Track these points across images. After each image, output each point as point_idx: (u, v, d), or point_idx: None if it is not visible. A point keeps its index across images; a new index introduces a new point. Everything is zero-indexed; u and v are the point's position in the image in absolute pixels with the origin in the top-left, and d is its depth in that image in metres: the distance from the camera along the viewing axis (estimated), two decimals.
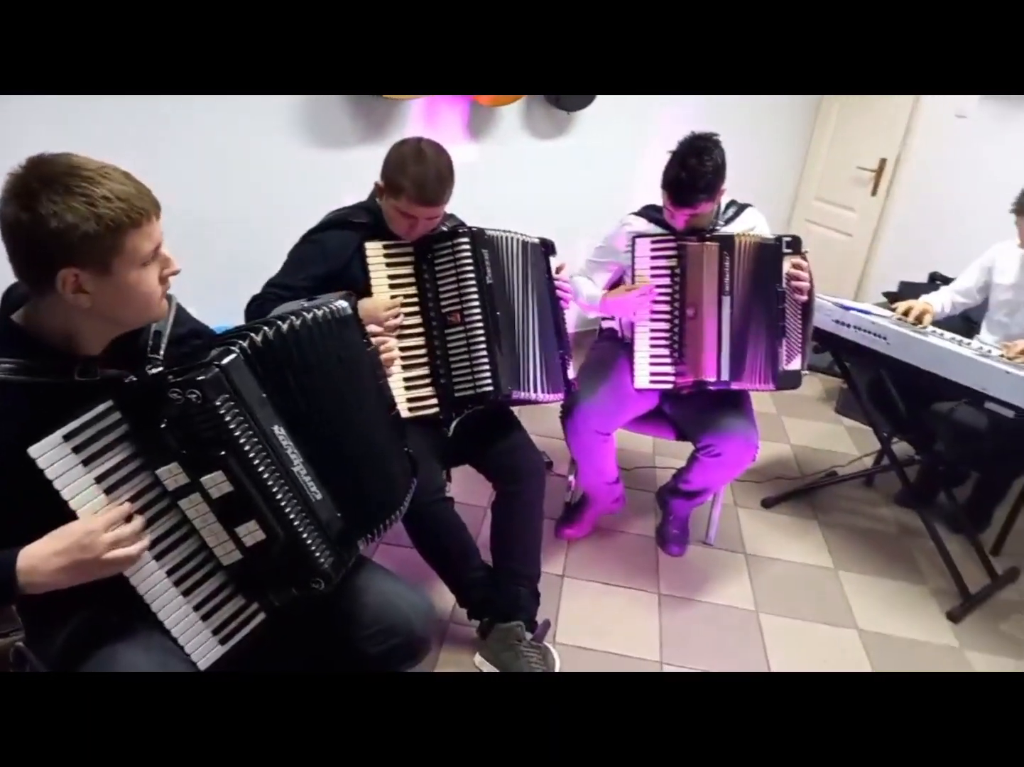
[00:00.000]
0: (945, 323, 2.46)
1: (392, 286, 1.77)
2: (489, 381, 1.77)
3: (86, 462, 0.98)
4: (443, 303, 1.78)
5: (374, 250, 1.75)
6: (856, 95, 3.70)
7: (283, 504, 1.08)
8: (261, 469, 1.06)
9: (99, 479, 0.99)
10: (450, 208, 1.81)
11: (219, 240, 2.55)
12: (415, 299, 1.79)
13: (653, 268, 2.07)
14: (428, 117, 2.90)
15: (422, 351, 1.80)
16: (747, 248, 2.03)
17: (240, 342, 1.07)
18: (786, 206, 4.24)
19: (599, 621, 2.11)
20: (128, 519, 1.01)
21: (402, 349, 1.75)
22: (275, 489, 1.07)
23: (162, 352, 1.14)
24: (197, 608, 1.09)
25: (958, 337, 2.23)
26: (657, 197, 2.07)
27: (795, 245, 2.01)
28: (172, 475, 1.03)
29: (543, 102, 3.18)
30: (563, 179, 3.37)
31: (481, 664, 1.87)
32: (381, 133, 2.79)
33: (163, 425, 1.00)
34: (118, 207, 0.96)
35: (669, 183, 1.99)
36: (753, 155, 3.51)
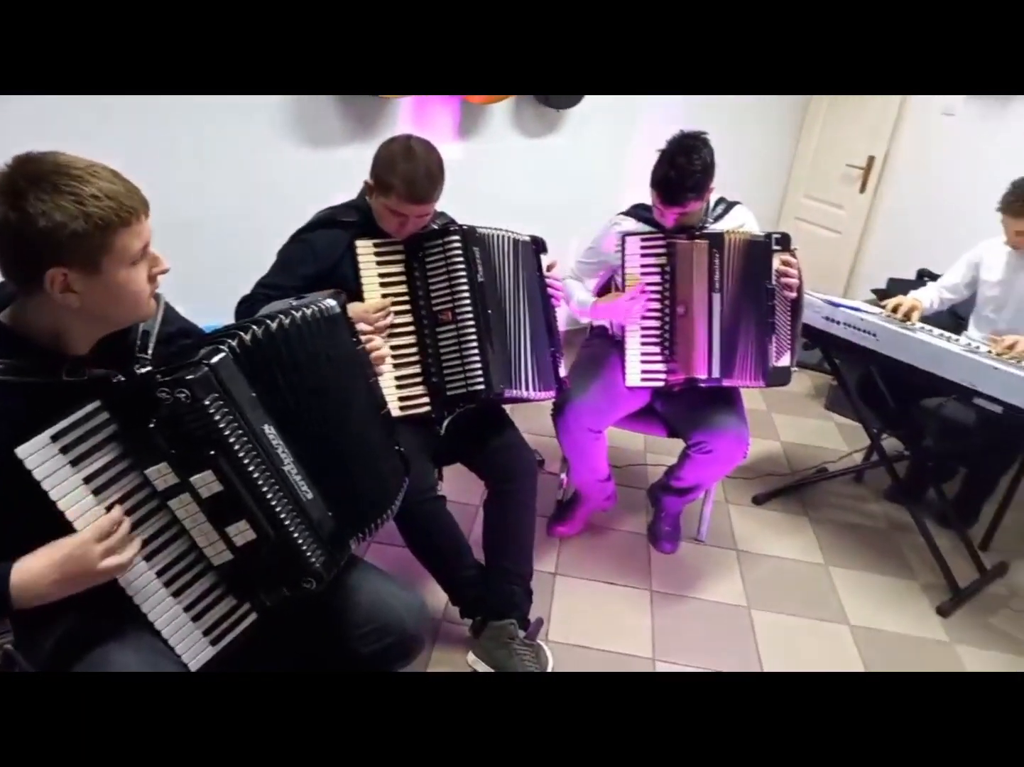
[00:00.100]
0: (933, 319, 2.48)
1: (383, 284, 1.77)
2: (481, 379, 1.76)
3: (74, 462, 0.97)
4: (434, 301, 1.78)
5: (364, 248, 1.75)
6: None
7: (274, 503, 1.07)
8: (251, 468, 1.05)
9: (87, 479, 0.98)
10: (440, 206, 1.81)
11: (208, 240, 2.54)
12: (406, 297, 1.78)
13: (643, 267, 2.07)
14: (417, 115, 2.89)
15: (413, 350, 1.79)
16: (737, 245, 2.04)
17: (229, 341, 1.07)
18: (775, 204, 4.26)
19: (592, 618, 2.12)
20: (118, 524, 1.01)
21: (393, 348, 1.75)
22: (265, 488, 1.06)
23: (150, 351, 1.13)
24: (188, 609, 1.08)
25: (946, 333, 2.25)
26: (646, 193, 2.08)
27: (784, 242, 2.02)
28: (161, 475, 1.02)
29: (532, 100, 3.18)
30: (553, 177, 3.37)
31: (474, 663, 1.87)
32: (370, 131, 2.79)
33: (152, 425, 0.99)
34: (107, 206, 0.95)
35: (658, 182, 2.00)
36: (742, 153, 3.52)
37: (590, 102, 3.27)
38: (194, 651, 1.09)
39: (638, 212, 2.20)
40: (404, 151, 1.69)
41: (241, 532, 1.06)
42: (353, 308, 1.59)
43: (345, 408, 1.25)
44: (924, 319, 2.41)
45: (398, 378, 1.78)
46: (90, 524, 0.99)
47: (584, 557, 2.36)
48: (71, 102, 2.13)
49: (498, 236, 1.84)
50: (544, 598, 2.14)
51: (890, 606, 2.29)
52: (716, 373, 2.10)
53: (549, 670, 1.89)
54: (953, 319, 2.69)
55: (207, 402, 1.00)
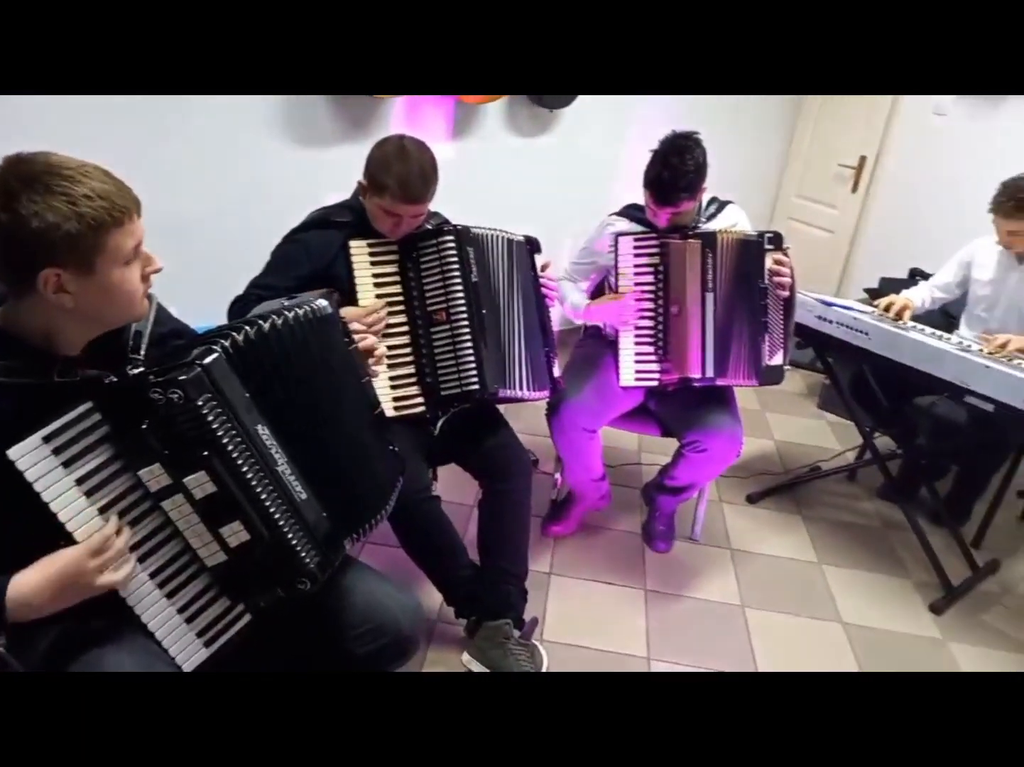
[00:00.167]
0: (925, 318, 2.49)
1: (377, 285, 1.76)
2: (475, 379, 1.76)
3: (67, 464, 0.97)
4: (428, 301, 1.78)
5: (358, 249, 1.74)
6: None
7: (267, 504, 1.07)
8: (245, 469, 1.05)
9: (80, 481, 0.98)
10: (433, 206, 1.81)
11: (200, 240, 2.53)
12: (400, 297, 1.78)
13: (636, 266, 2.08)
14: (411, 115, 2.89)
15: (407, 350, 1.79)
16: (729, 245, 2.04)
17: (222, 341, 1.06)
18: (768, 203, 4.27)
19: (587, 618, 2.12)
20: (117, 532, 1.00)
21: (387, 348, 1.74)
22: (259, 489, 1.06)
23: (143, 352, 1.12)
24: (181, 611, 1.08)
25: (938, 332, 2.26)
26: (640, 193, 2.08)
27: (776, 241, 2.03)
28: (154, 476, 1.02)
29: (526, 100, 3.18)
30: (546, 176, 3.38)
31: (469, 663, 1.87)
32: (364, 131, 2.78)
33: (144, 426, 0.99)
34: (100, 206, 0.95)
35: (651, 182, 2.00)
36: (734, 152, 3.53)
37: (583, 102, 3.27)
38: (188, 653, 1.08)
39: (631, 212, 2.21)
40: (398, 151, 1.68)
41: (235, 533, 1.06)
42: (346, 311, 1.59)
43: (338, 408, 1.24)
44: (916, 318, 2.42)
45: (392, 378, 1.77)
46: (82, 526, 0.98)
47: (579, 557, 2.36)
48: (62, 102, 2.12)
49: (492, 236, 1.84)
50: (539, 598, 2.14)
51: (883, 604, 2.30)
52: (710, 372, 2.10)
53: (544, 670, 1.89)
54: (945, 318, 2.70)
55: (200, 403, 1.00)
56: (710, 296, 2.07)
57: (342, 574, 1.29)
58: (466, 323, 1.76)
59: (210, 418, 1.01)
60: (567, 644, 2.02)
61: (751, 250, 2.03)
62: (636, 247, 2.07)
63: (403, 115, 2.87)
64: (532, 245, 1.95)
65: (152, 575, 1.05)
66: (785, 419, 3.43)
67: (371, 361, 1.38)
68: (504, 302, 1.87)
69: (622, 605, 2.19)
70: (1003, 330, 2.39)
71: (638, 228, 2.14)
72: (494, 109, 3.13)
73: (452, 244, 1.75)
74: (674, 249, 2.05)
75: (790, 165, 4.17)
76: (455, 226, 1.78)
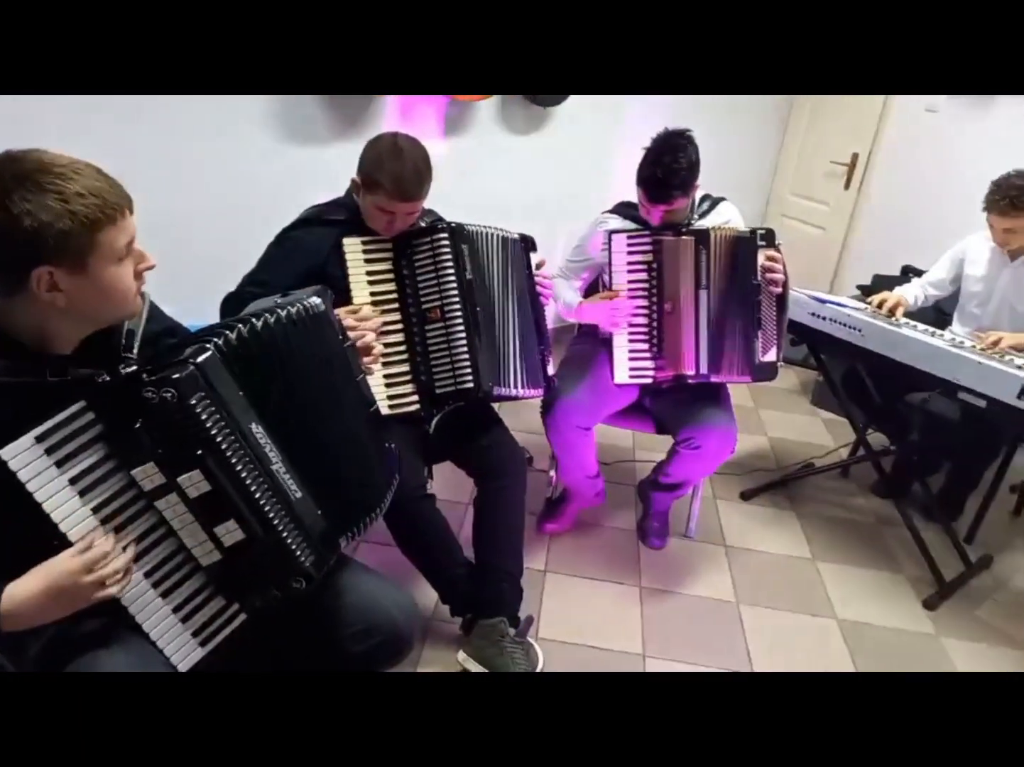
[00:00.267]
0: (918, 315, 2.50)
1: (371, 282, 1.76)
2: (470, 377, 1.76)
3: (59, 464, 0.96)
4: (423, 299, 1.77)
5: (352, 246, 1.74)
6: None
7: (262, 503, 1.06)
8: (239, 468, 1.04)
9: (73, 481, 0.97)
10: (427, 204, 1.80)
11: (193, 238, 2.52)
12: (394, 295, 1.78)
13: (630, 264, 2.07)
14: (404, 112, 2.89)
15: (402, 348, 1.79)
16: (722, 242, 2.04)
17: (215, 340, 1.06)
18: (760, 201, 4.28)
19: (582, 615, 2.12)
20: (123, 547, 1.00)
21: (382, 346, 1.74)
22: (254, 488, 1.06)
23: (136, 351, 1.12)
24: (176, 610, 1.07)
25: (931, 329, 2.27)
26: (633, 191, 2.08)
27: (769, 237, 2.03)
28: (148, 475, 1.01)
29: (519, 97, 3.18)
30: (540, 174, 3.37)
31: (464, 661, 1.87)
32: (357, 128, 2.77)
33: (138, 425, 0.98)
34: (92, 203, 0.94)
35: (644, 180, 2.00)
36: (727, 150, 3.54)
37: (577, 99, 3.27)
38: (183, 652, 1.08)
39: (623, 210, 2.21)
40: (391, 148, 1.68)
41: (230, 532, 1.06)
42: (337, 310, 1.58)
43: (333, 406, 1.24)
44: (909, 315, 2.43)
45: (387, 376, 1.77)
46: (76, 526, 0.98)
47: (574, 554, 2.37)
48: (54, 101, 2.10)
49: (487, 234, 1.84)
50: (534, 595, 2.14)
51: (877, 599, 2.31)
52: (704, 369, 2.11)
53: (539, 667, 1.89)
54: (937, 315, 2.71)
55: (193, 401, 1.00)
56: (704, 293, 2.07)
57: (338, 573, 1.29)
58: (460, 321, 1.76)
59: (204, 417, 1.01)
60: (562, 642, 2.02)
61: (744, 247, 2.04)
62: (630, 245, 2.07)
63: (396, 113, 2.87)
64: (527, 243, 1.95)
65: (147, 575, 1.05)
66: (779, 416, 3.44)
67: (367, 359, 1.38)
68: (499, 300, 1.86)
69: (617, 602, 2.19)
70: (995, 326, 2.40)
71: (631, 226, 2.14)
72: (487, 106, 3.12)
73: (446, 242, 1.75)
74: (667, 246, 2.05)
75: (783, 162, 4.17)
76: (449, 224, 1.78)
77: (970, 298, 2.53)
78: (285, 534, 1.09)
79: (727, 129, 3.69)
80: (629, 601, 2.20)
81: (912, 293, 2.55)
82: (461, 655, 1.88)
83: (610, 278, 2.10)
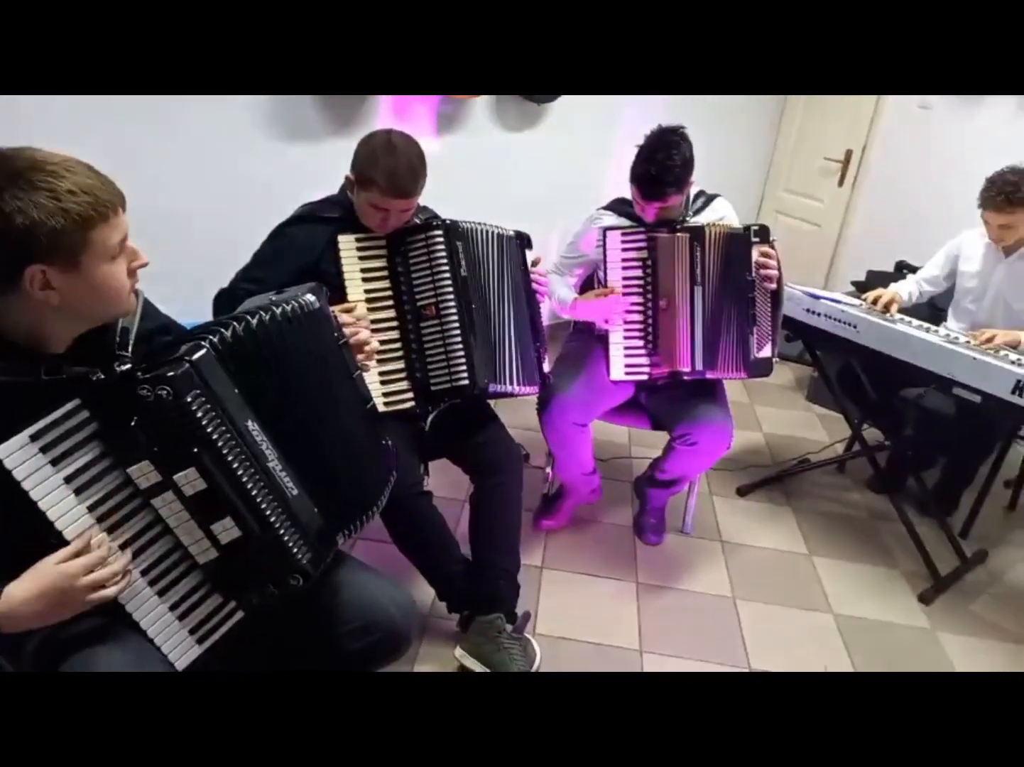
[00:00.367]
0: (912, 311, 2.51)
1: (365, 280, 1.76)
2: (465, 374, 1.76)
3: (55, 462, 0.96)
4: (418, 296, 1.77)
5: (347, 243, 1.74)
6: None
7: (259, 500, 1.06)
8: (235, 465, 1.04)
9: (69, 479, 0.97)
10: (421, 201, 1.80)
11: (187, 236, 2.51)
12: (389, 292, 1.78)
13: (625, 261, 2.07)
14: (398, 109, 2.88)
15: (397, 345, 1.78)
16: (717, 238, 2.04)
17: (210, 337, 1.06)
18: (755, 197, 4.28)
19: (579, 611, 2.12)
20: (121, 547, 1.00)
21: (377, 343, 1.74)
22: (250, 485, 1.06)
23: (130, 349, 1.11)
24: (173, 608, 1.07)
25: (925, 324, 2.28)
26: (627, 187, 2.08)
27: (763, 234, 2.03)
28: (144, 474, 1.01)
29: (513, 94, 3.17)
30: (534, 170, 3.37)
31: (462, 657, 1.87)
32: (351, 125, 2.77)
33: (133, 423, 0.98)
34: (84, 201, 0.94)
35: (638, 177, 2.00)
36: (721, 146, 3.53)
37: (571, 96, 3.27)
38: (180, 650, 1.08)
39: (618, 207, 2.21)
40: (385, 145, 1.68)
41: (226, 530, 1.05)
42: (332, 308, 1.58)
43: (329, 403, 1.24)
44: (903, 311, 2.44)
45: (382, 373, 1.77)
46: (72, 524, 0.97)
47: (570, 550, 2.37)
48: (51, 101, 2.09)
49: (482, 231, 1.84)
50: (531, 592, 2.14)
51: (872, 594, 2.32)
52: (699, 366, 2.11)
53: (537, 663, 1.89)
54: (932, 311, 2.72)
55: (189, 399, 0.99)
56: (698, 290, 2.07)
57: (335, 570, 1.28)
58: (455, 318, 1.76)
59: (199, 414, 1.00)
60: (559, 638, 2.02)
61: (738, 243, 2.04)
62: (624, 241, 2.07)
63: (390, 110, 2.86)
64: (522, 240, 1.95)
65: (143, 573, 1.04)
66: (774, 412, 3.45)
67: (361, 356, 1.37)
68: (494, 297, 1.86)
69: (614, 598, 2.20)
70: (990, 322, 2.41)
71: (626, 222, 2.14)
72: (481, 103, 3.12)
73: (441, 239, 1.74)
74: (662, 243, 2.05)
75: (776, 159, 4.18)
76: (444, 221, 1.77)
77: (965, 294, 2.54)
78: (282, 531, 1.09)
79: (721, 126, 3.69)
80: (626, 597, 2.20)
81: (907, 289, 2.56)
82: (458, 651, 1.88)
83: (605, 275, 2.10)
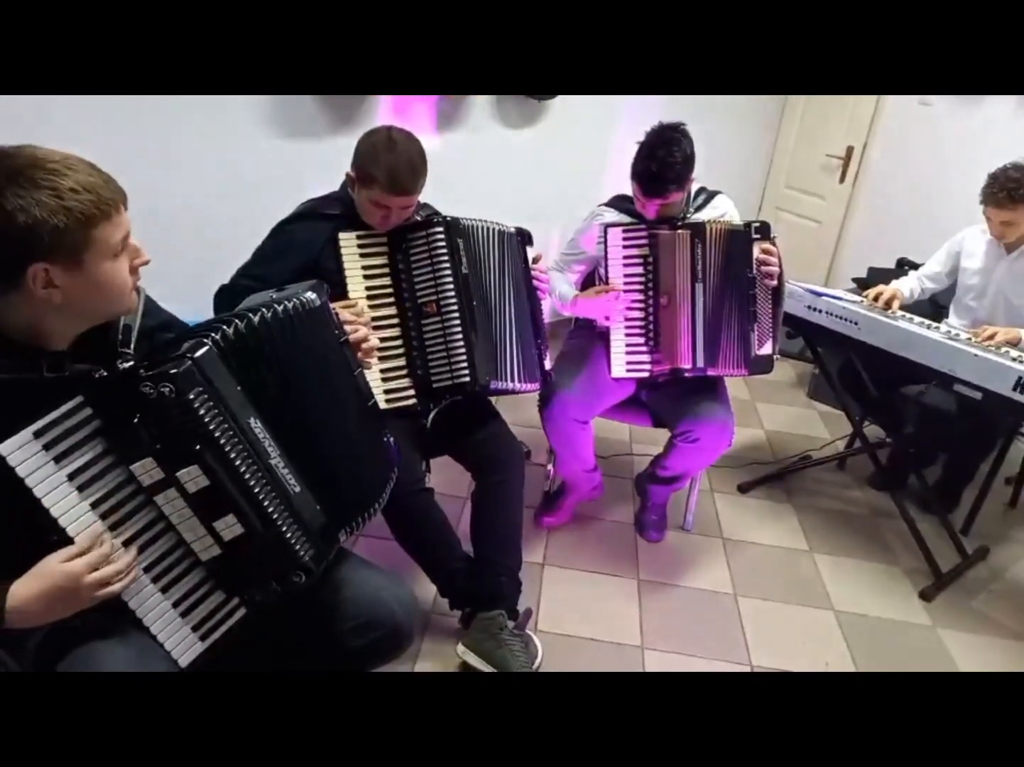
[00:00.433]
0: (914, 307, 2.50)
1: (366, 277, 1.76)
2: (466, 372, 1.76)
3: (58, 459, 0.96)
4: (419, 293, 1.77)
5: (347, 241, 1.74)
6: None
7: (261, 497, 1.07)
8: (238, 463, 1.04)
9: (72, 476, 0.97)
10: (422, 198, 1.80)
11: (188, 234, 2.51)
12: (390, 290, 1.78)
13: (626, 258, 2.08)
14: (398, 106, 2.88)
15: (398, 342, 1.79)
16: (718, 235, 2.04)
17: (212, 334, 1.06)
18: (756, 194, 4.28)
19: (580, 608, 2.13)
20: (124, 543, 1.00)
21: (378, 340, 1.74)
22: (252, 482, 1.06)
23: (132, 346, 1.12)
24: (176, 605, 1.07)
25: (927, 321, 2.28)
26: (628, 184, 2.08)
27: (764, 231, 2.03)
28: (147, 471, 1.01)
29: None
30: (534, 167, 3.37)
31: (464, 654, 1.87)
32: (351, 122, 2.76)
33: (136, 420, 0.98)
34: (87, 199, 0.94)
35: (639, 174, 2.00)
36: (722, 143, 3.53)
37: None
38: (183, 647, 1.08)
39: (620, 203, 2.20)
40: (386, 142, 1.68)
41: (229, 527, 1.06)
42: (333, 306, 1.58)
43: (330, 400, 1.24)
44: (905, 308, 2.43)
45: (383, 371, 1.77)
46: (75, 521, 0.98)
47: (572, 547, 2.37)
48: (52, 100, 2.09)
49: (483, 228, 1.84)
50: (533, 588, 2.14)
51: (874, 591, 2.32)
52: (700, 363, 2.11)
53: (538, 660, 1.90)
54: (933, 307, 2.72)
55: (191, 396, 1.00)
56: (699, 287, 2.07)
57: (337, 567, 1.29)
58: (456, 315, 1.76)
59: (202, 411, 1.01)
60: (561, 634, 2.02)
61: (739, 240, 2.04)
62: (625, 238, 2.07)
63: (390, 107, 2.86)
64: (523, 237, 1.95)
65: (146, 570, 1.05)
66: (775, 409, 3.45)
67: (362, 354, 1.38)
68: (495, 294, 1.86)
69: (615, 595, 2.20)
70: (991, 319, 2.41)
71: (627, 219, 2.14)
72: (481, 101, 3.11)
73: (442, 236, 1.74)
74: (663, 240, 2.05)
75: (777, 156, 4.17)
76: (445, 218, 1.78)
77: (966, 291, 2.54)
78: (284, 528, 1.09)
79: (722, 122, 3.69)
80: (627, 594, 2.21)
81: (908, 286, 2.56)
82: (460, 648, 1.88)
83: (606, 272, 2.10)
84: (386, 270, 1.77)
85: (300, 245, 1.75)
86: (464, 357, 1.76)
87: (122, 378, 0.99)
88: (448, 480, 2.32)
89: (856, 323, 2.18)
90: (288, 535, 1.10)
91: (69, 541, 0.98)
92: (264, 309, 1.13)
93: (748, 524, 2.59)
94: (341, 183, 1.82)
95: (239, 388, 1.07)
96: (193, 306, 1.58)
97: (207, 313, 1.51)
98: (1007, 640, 2.17)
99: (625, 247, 2.07)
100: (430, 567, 1.88)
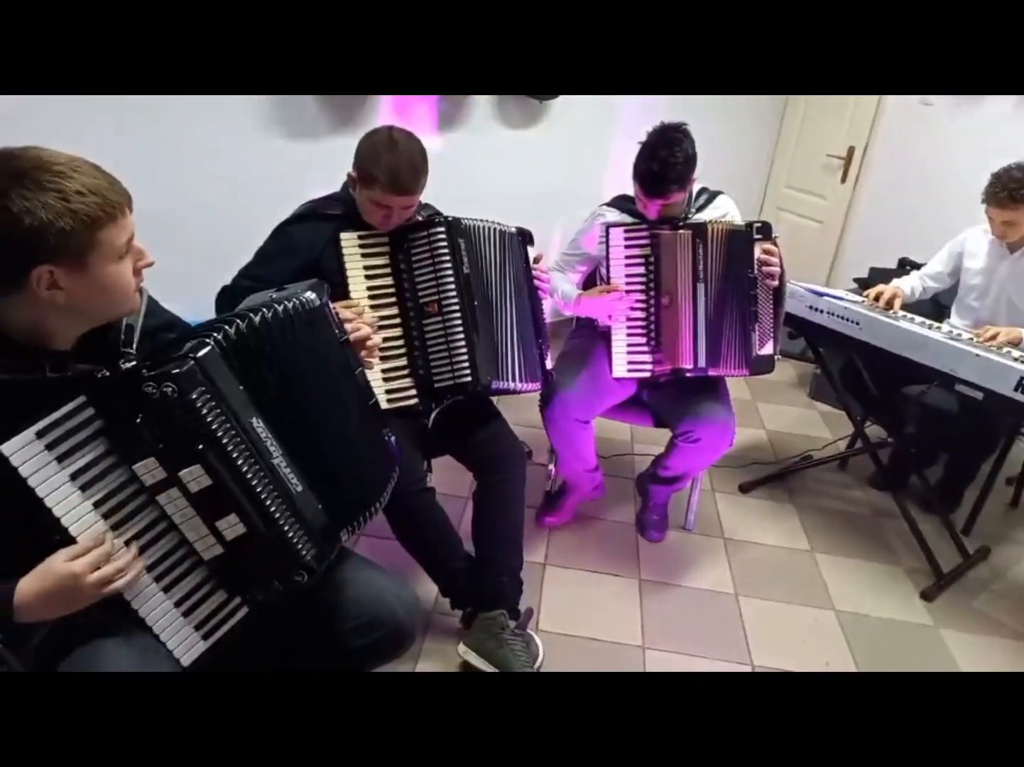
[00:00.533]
0: (915, 307, 2.50)
1: (368, 277, 1.76)
2: (467, 371, 1.77)
3: (60, 459, 0.96)
4: (420, 293, 1.78)
5: (349, 241, 1.74)
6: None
7: (263, 497, 1.07)
8: (240, 462, 1.05)
9: (74, 476, 0.98)
10: (423, 198, 1.80)
11: (189, 235, 2.51)
12: (392, 290, 1.78)
13: (627, 258, 2.08)
14: (399, 106, 2.88)
15: (400, 342, 1.79)
16: (719, 235, 2.04)
17: (214, 335, 1.06)
18: (757, 194, 4.28)
19: (581, 608, 2.13)
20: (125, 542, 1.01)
21: (380, 340, 1.74)
22: (255, 482, 1.06)
23: (135, 346, 1.12)
24: (178, 604, 1.08)
25: (928, 321, 2.28)
26: (630, 184, 2.08)
27: (765, 231, 2.03)
28: (149, 470, 1.02)
29: None
30: (536, 167, 3.37)
31: (465, 653, 1.87)
32: (352, 123, 2.77)
33: (138, 420, 0.99)
34: (92, 201, 0.94)
35: (640, 175, 2.00)
36: (723, 143, 3.53)
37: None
38: (186, 646, 1.08)
39: (622, 203, 2.20)
40: (387, 142, 1.68)
41: (231, 526, 1.06)
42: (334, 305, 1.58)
43: (332, 400, 1.24)
44: (906, 307, 2.43)
45: (385, 371, 1.77)
46: (78, 521, 0.98)
47: (573, 547, 2.37)
48: (53, 100, 2.09)
49: (484, 227, 1.84)
50: (534, 588, 2.14)
51: (875, 591, 2.32)
52: (702, 363, 2.11)
53: (539, 660, 1.90)
54: (935, 307, 2.72)
55: (194, 396, 1.00)
56: (701, 287, 2.07)
57: (339, 567, 1.29)
58: (458, 315, 1.76)
59: (204, 411, 1.01)
60: (562, 634, 2.03)
61: (740, 241, 2.04)
62: (627, 238, 2.07)
63: (391, 107, 2.86)
64: (524, 237, 1.95)
65: (149, 569, 1.05)
66: (777, 409, 3.45)
67: (363, 353, 1.38)
68: (496, 294, 1.87)
69: (617, 595, 2.20)
70: (994, 319, 2.41)
71: (629, 219, 2.14)
72: (483, 101, 3.12)
73: (443, 236, 1.75)
74: (665, 240, 2.05)
75: (779, 156, 4.17)
76: (446, 218, 1.78)
77: (968, 291, 2.53)
78: (286, 528, 1.09)
79: (723, 122, 3.69)
80: (628, 593, 2.21)
81: (910, 285, 2.55)
82: (462, 648, 1.89)
83: (607, 272, 2.10)
84: (387, 270, 1.77)
85: (301, 245, 1.75)
86: (466, 357, 1.76)
87: (124, 378, 0.99)
88: (449, 480, 2.32)
89: (857, 323, 2.18)
90: (290, 534, 1.10)
91: (71, 541, 0.98)
92: (264, 309, 1.14)
93: (749, 524, 2.59)
94: (342, 183, 1.82)
95: (241, 388, 1.08)
96: (195, 307, 1.58)
97: (209, 314, 1.52)
98: (1008, 640, 2.16)
99: (627, 247, 2.07)
100: (431, 567, 1.88)
